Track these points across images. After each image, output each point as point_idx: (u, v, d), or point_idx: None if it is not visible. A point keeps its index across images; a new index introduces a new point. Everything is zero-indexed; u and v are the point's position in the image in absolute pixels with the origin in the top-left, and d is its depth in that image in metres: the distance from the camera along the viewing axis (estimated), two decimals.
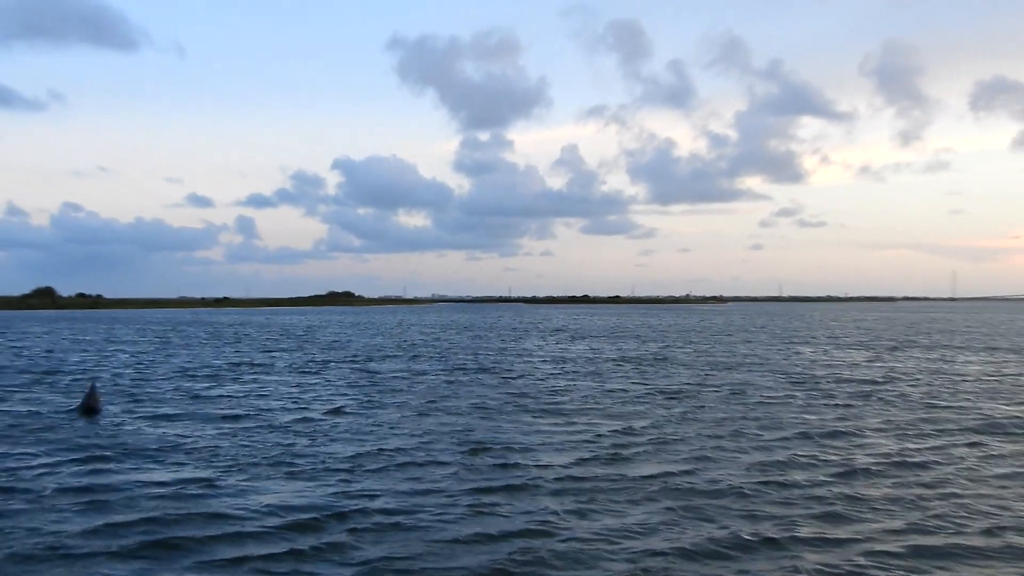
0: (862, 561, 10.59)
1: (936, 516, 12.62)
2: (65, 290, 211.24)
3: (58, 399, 26.18)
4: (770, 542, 11.33)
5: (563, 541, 11.47)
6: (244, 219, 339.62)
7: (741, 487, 14.32)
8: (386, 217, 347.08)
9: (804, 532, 11.77)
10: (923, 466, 16.16)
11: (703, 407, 24.32)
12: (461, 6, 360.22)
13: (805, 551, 10.98)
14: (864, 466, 16.04)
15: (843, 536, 11.64)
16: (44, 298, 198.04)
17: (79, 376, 33.47)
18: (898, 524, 12.22)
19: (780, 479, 15.01)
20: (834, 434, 19.68)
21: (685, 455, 17.19)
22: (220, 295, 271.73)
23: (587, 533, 11.86)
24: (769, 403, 25.19)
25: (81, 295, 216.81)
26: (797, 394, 27.61)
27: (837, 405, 24.80)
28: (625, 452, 17.48)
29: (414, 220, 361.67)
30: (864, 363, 40.85)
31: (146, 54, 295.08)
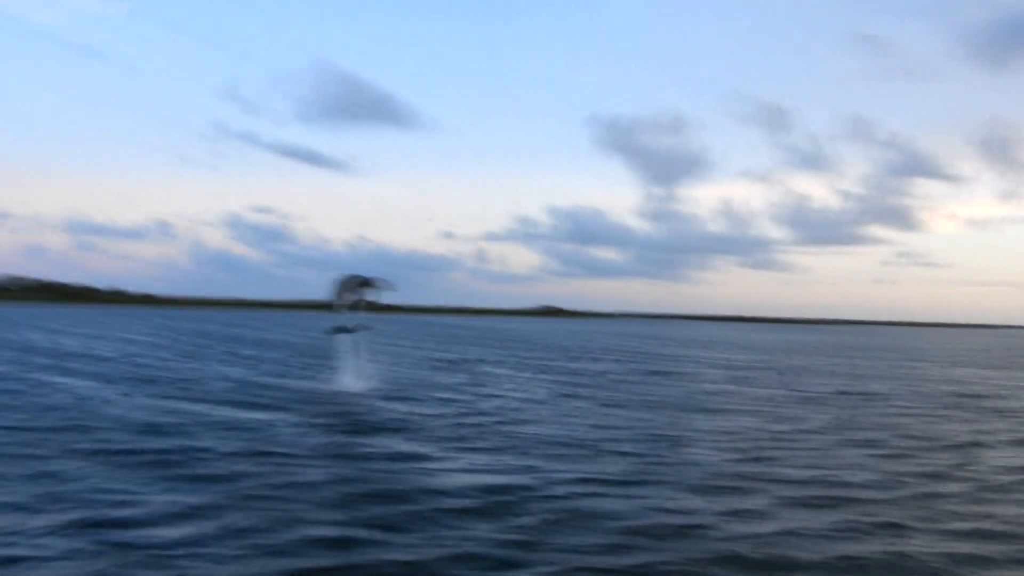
0: None
1: None
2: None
3: (331, 377, 25.65)
4: (924, 555, 8.76)
5: (713, 539, 9.29)
6: (481, 250, 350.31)
7: (887, 496, 11.60)
8: (585, 250, 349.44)
9: (954, 549, 9.09)
10: None
11: (842, 414, 21.15)
12: (643, 93, 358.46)
13: (960, 569, 8.37)
14: (1000, 481, 12.90)
15: (998, 557, 8.90)
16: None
17: (346, 360, 33.30)
18: None
19: (921, 490, 12.12)
20: (965, 445, 16.35)
21: (826, 460, 14.49)
22: (461, 305, 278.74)
23: (738, 531, 9.66)
24: (900, 413, 21.70)
25: (365, 301, 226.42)
26: (925, 406, 23.82)
27: (963, 419, 21.11)
28: (772, 452, 14.97)
29: (605, 253, 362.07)
30: (981, 380, 35.80)
31: (417, 129, 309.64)
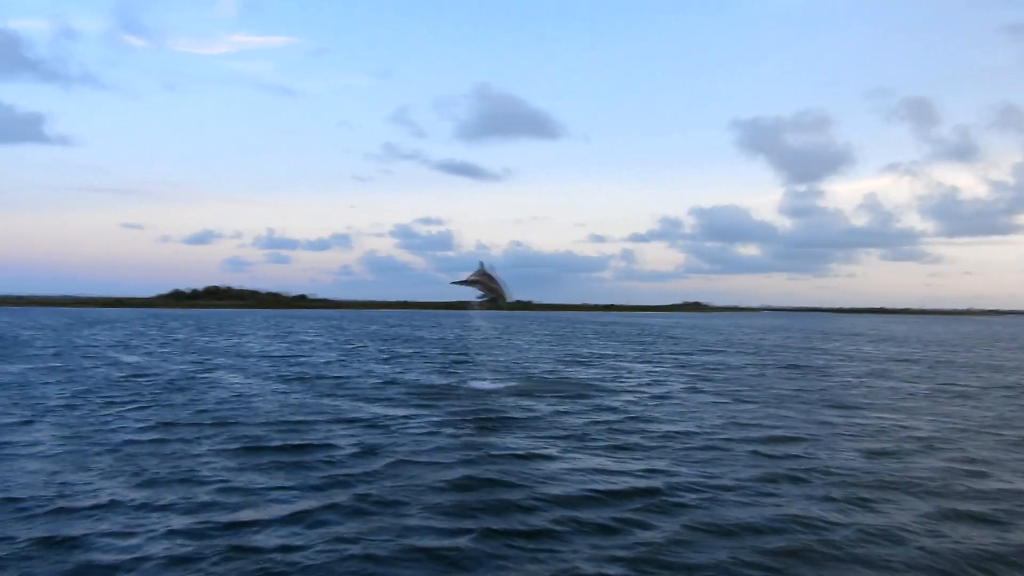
0: None
1: None
2: (509, 297, 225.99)
3: (472, 374, 25.19)
4: None
5: (837, 539, 7.86)
6: (627, 250, 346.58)
7: None
8: (727, 248, 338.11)
9: None
10: None
11: (996, 410, 18.41)
12: (785, 94, 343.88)
13: None
14: None
15: None
16: (494, 303, 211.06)
17: (487, 357, 32.86)
18: None
19: None
20: None
21: (966, 456, 12.42)
22: (609, 303, 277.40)
23: (862, 531, 8.24)
24: None
25: (519, 301, 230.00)
26: None
27: None
28: (918, 456, 12.95)
29: (748, 250, 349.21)
30: None
31: (565, 141, 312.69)
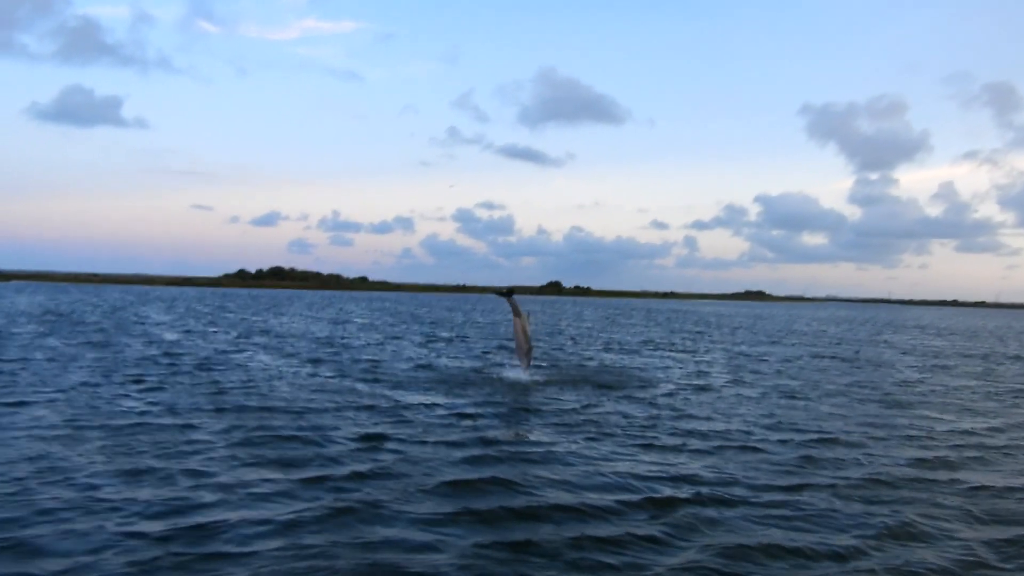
0: None
1: None
2: (568, 283, 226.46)
3: (509, 362, 24.26)
4: None
5: (880, 568, 6.63)
6: (689, 238, 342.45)
7: None
8: (793, 237, 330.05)
9: None
10: None
11: None
12: (859, 79, 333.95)
13: None
14: None
15: None
16: (553, 288, 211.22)
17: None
18: None
19: None
20: None
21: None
22: (668, 290, 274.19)
23: (918, 559, 6.98)
24: None
25: (577, 287, 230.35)
26: None
27: None
28: (971, 457, 11.77)
29: (814, 240, 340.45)
30: None
31: (629, 126, 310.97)
